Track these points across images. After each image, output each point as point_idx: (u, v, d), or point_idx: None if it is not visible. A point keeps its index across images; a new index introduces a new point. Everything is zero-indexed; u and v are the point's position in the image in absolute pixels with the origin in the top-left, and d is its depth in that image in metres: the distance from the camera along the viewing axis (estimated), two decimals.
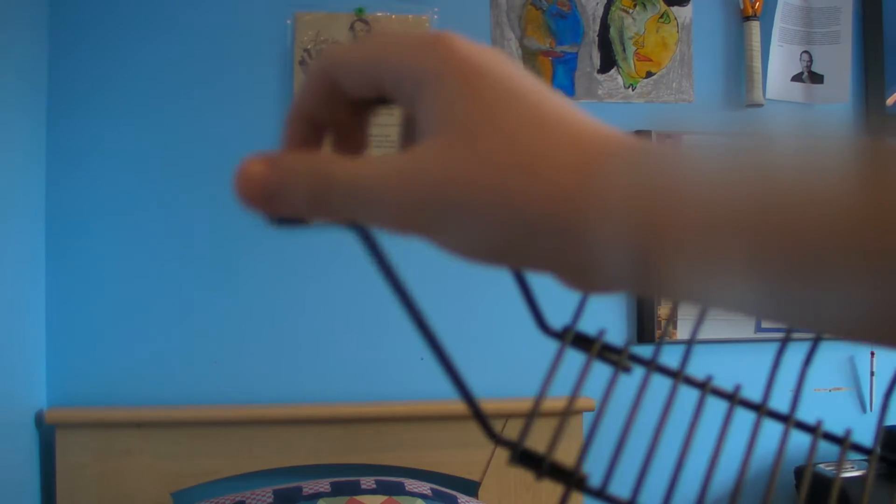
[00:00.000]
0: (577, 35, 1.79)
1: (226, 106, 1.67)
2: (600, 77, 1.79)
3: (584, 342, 0.38)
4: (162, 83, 1.66)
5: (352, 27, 1.70)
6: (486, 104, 0.27)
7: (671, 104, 1.82)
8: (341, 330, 1.69)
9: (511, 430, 1.66)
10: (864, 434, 1.82)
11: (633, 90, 1.81)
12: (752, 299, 0.22)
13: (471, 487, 1.65)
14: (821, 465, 1.65)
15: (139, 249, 1.64)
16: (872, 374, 1.83)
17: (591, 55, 1.79)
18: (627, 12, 1.81)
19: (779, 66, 1.85)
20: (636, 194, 0.24)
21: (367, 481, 1.46)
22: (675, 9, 1.82)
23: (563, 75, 1.78)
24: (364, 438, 1.64)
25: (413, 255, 1.86)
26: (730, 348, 1.76)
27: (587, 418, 1.68)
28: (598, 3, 1.80)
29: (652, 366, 0.40)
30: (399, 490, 1.44)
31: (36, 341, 1.59)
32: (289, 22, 1.69)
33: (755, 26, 1.81)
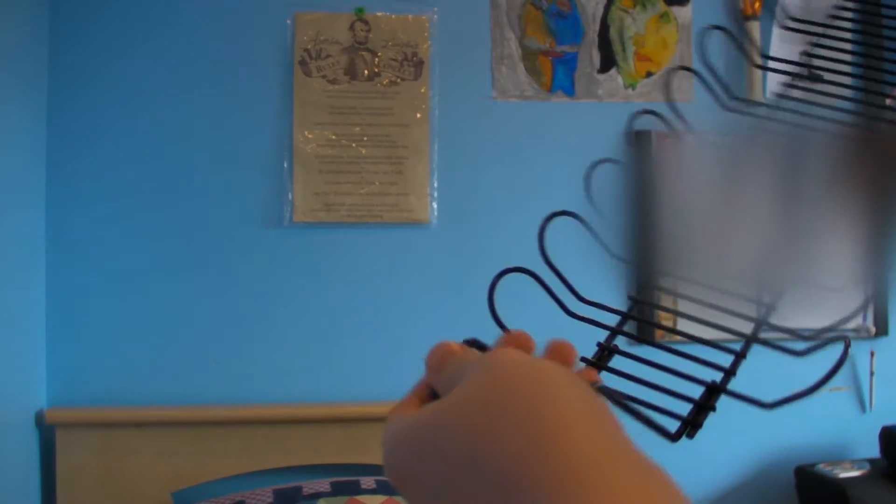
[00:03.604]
0: (577, 35, 1.79)
1: (225, 105, 1.67)
2: (600, 77, 1.79)
3: None
4: (162, 81, 1.66)
5: (352, 27, 1.70)
6: None
7: (671, 104, 1.82)
8: (341, 330, 1.69)
9: None
10: (864, 434, 1.82)
11: (633, 90, 1.81)
12: None
13: None
14: (821, 465, 1.65)
15: (139, 249, 1.64)
16: (872, 374, 1.83)
17: (591, 55, 1.79)
18: (627, 12, 1.81)
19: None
20: None
21: (367, 481, 1.46)
22: (675, 9, 1.82)
23: (563, 75, 1.78)
24: (364, 438, 1.64)
25: (410, 257, 1.84)
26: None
27: None
28: (598, 3, 1.80)
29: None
30: None
31: (36, 341, 1.59)
32: (289, 22, 1.69)
33: (755, 26, 1.81)
